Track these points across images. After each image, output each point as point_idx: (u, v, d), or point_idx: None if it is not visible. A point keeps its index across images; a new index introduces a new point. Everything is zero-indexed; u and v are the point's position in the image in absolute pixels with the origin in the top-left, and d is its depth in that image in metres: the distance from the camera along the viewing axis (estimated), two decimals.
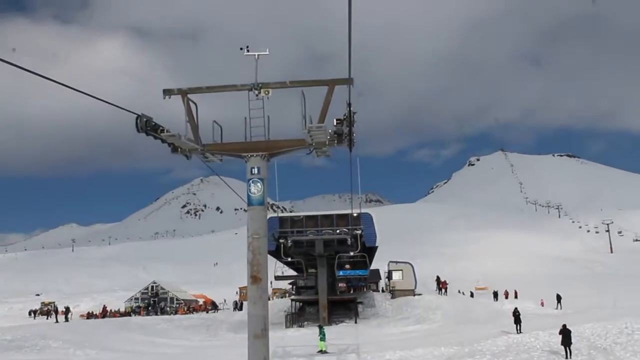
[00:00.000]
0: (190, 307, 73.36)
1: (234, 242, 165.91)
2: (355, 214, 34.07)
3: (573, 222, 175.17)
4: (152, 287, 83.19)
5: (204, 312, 61.70)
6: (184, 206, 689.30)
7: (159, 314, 61.30)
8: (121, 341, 30.84)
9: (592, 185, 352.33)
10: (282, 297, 55.61)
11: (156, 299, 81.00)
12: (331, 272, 40.17)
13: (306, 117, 10.33)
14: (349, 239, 31.96)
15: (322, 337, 24.03)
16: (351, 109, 10.26)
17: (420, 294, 40.95)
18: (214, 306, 66.33)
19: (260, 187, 10.88)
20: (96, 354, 26.68)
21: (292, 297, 40.69)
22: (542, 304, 48.00)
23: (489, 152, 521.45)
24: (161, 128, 10.48)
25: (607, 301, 47.05)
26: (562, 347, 20.31)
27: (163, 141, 10.86)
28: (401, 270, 42.44)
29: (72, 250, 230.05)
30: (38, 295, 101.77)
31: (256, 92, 10.98)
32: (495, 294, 55.30)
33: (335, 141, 10.88)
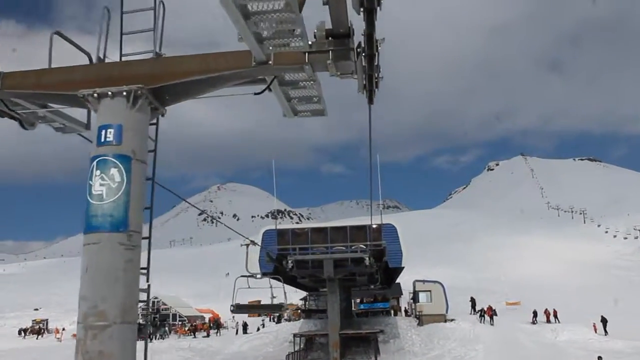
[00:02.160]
0: (193, 324, 67.08)
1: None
2: (374, 226, 26.54)
3: (599, 226, 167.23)
4: (153, 302, 76.89)
5: (205, 333, 55.35)
6: (200, 213, 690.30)
7: (156, 337, 55.03)
8: None
9: (617, 190, 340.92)
10: (291, 318, 48.51)
11: (157, 315, 74.92)
12: (345, 296, 33.38)
13: None
14: (367, 259, 23.76)
15: None
16: None
17: (452, 320, 33.97)
18: (216, 325, 59.78)
19: (119, 179, 4.19)
20: None
21: (295, 331, 32.76)
22: (595, 329, 40.84)
23: (508, 157, 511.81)
24: None
25: None
26: None
27: None
28: (429, 291, 35.21)
29: None
30: (37, 309, 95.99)
31: None
32: (535, 315, 47.98)
33: (333, 62, 4.18)
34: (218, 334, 56.37)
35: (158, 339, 54.80)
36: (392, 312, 44.10)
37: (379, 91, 4.66)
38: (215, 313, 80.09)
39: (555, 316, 48.40)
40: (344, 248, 26.22)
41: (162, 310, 75.55)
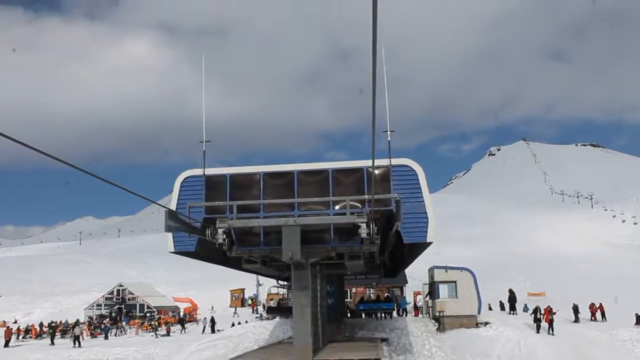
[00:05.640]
0: (157, 317, 57.01)
1: None
2: (377, 171, 14.61)
3: (606, 210, 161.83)
4: (118, 290, 66.97)
5: (166, 329, 45.19)
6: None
7: (107, 334, 44.87)
8: None
9: (621, 175, 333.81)
10: (269, 315, 37.58)
11: (123, 305, 64.97)
12: (333, 289, 22.73)
13: None
14: (364, 227, 12.53)
15: None
16: None
17: (486, 323, 23.59)
18: (180, 322, 49.59)
19: None
20: None
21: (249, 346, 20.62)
22: None
23: (510, 142, 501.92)
24: None
25: None
26: None
27: None
28: (454, 281, 24.63)
29: (80, 243, 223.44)
30: None
31: None
32: (576, 310, 37.78)
33: None
34: (183, 331, 46.26)
35: (113, 335, 44.75)
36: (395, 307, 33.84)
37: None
38: (193, 303, 70.40)
39: (603, 313, 38.63)
40: (323, 209, 14.67)
41: (128, 300, 65.48)
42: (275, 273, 19.72)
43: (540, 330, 23.52)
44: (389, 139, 14.40)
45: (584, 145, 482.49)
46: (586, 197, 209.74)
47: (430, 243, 14.92)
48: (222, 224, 12.67)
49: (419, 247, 16.52)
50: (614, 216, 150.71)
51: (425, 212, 14.75)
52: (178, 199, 15.28)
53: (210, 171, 15.30)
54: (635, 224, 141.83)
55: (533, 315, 24.55)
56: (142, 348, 30.33)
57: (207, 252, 15.92)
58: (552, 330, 23.43)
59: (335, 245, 14.70)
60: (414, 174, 14.93)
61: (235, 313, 60.28)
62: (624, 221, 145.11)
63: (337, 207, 14.30)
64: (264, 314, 48.53)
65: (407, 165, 14.99)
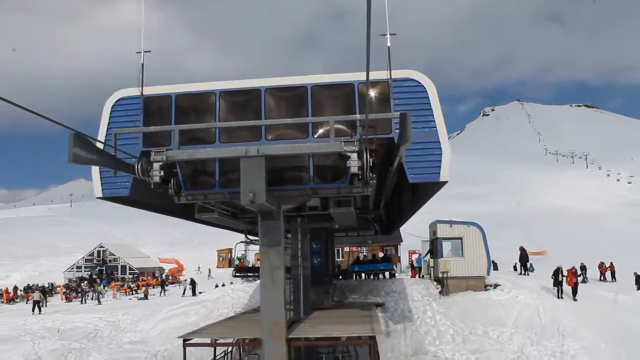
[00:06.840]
0: (138, 279, 54.24)
1: None
2: (373, 93, 10.92)
3: (600, 169, 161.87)
4: (99, 252, 63.92)
5: (143, 292, 42.23)
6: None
7: (84, 299, 41.93)
8: None
9: (616, 136, 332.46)
10: (240, 277, 33.69)
11: (104, 267, 62.09)
12: (319, 247, 19.40)
13: None
14: (355, 160, 8.80)
15: None
16: None
17: (496, 285, 20.48)
18: (162, 284, 46.64)
19: None
20: None
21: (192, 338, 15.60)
22: None
23: (504, 102, 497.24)
24: None
25: None
26: None
27: None
28: (460, 238, 21.69)
29: (70, 206, 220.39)
30: None
31: None
32: (583, 269, 34.82)
33: None
34: (162, 294, 43.40)
35: (90, 299, 41.79)
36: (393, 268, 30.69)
37: None
38: (180, 263, 67.64)
39: (613, 273, 35.80)
40: (300, 136, 10.94)
41: (109, 261, 62.49)
42: (245, 227, 16.13)
43: (563, 295, 20.40)
44: (388, 44, 10.75)
45: (578, 106, 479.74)
46: (580, 157, 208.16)
47: (444, 183, 11.11)
48: (159, 156, 9.13)
49: (428, 189, 12.70)
50: (608, 175, 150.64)
51: (438, 141, 11.03)
52: (108, 127, 11.59)
53: (150, 90, 11.51)
54: (629, 182, 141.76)
55: (554, 277, 21.24)
56: (109, 315, 27.23)
57: (150, 199, 12.36)
58: (575, 295, 20.20)
59: (315, 187, 11.01)
60: (422, 90, 11.13)
61: (209, 275, 57.47)
62: (618, 180, 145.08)
63: (318, 133, 10.75)
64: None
65: (413, 79, 11.17)
